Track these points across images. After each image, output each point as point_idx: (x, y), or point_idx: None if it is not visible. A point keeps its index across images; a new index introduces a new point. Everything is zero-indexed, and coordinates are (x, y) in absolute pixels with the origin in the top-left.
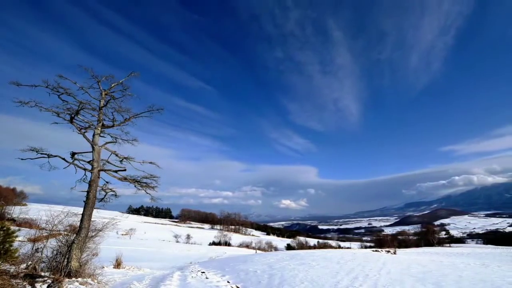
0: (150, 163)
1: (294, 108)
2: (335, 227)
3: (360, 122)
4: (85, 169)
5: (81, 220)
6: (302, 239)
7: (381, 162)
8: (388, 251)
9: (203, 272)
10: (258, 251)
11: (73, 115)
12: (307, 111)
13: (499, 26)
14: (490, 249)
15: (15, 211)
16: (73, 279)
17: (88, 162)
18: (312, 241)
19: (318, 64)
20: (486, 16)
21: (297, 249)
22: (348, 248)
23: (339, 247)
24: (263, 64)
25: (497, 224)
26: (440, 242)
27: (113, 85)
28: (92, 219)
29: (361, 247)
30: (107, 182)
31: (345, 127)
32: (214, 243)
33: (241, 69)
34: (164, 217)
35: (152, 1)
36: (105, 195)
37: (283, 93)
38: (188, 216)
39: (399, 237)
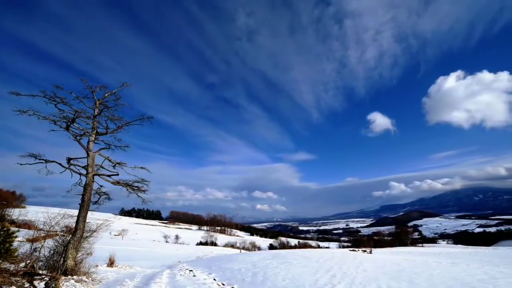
0: (141, 168)
1: (225, 157)
2: (315, 228)
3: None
4: (80, 174)
5: (77, 222)
6: (283, 239)
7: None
8: (365, 251)
9: (191, 270)
10: (242, 251)
11: (69, 123)
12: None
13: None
14: (460, 248)
15: (15, 213)
16: (69, 277)
17: (83, 167)
18: (293, 241)
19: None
20: None
21: (279, 248)
22: (327, 248)
23: (319, 247)
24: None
25: (466, 225)
26: (413, 242)
27: (106, 94)
28: (86, 221)
29: (339, 247)
30: (101, 186)
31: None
32: (201, 243)
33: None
34: (154, 219)
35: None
36: (99, 198)
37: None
38: (177, 217)
39: (375, 237)
